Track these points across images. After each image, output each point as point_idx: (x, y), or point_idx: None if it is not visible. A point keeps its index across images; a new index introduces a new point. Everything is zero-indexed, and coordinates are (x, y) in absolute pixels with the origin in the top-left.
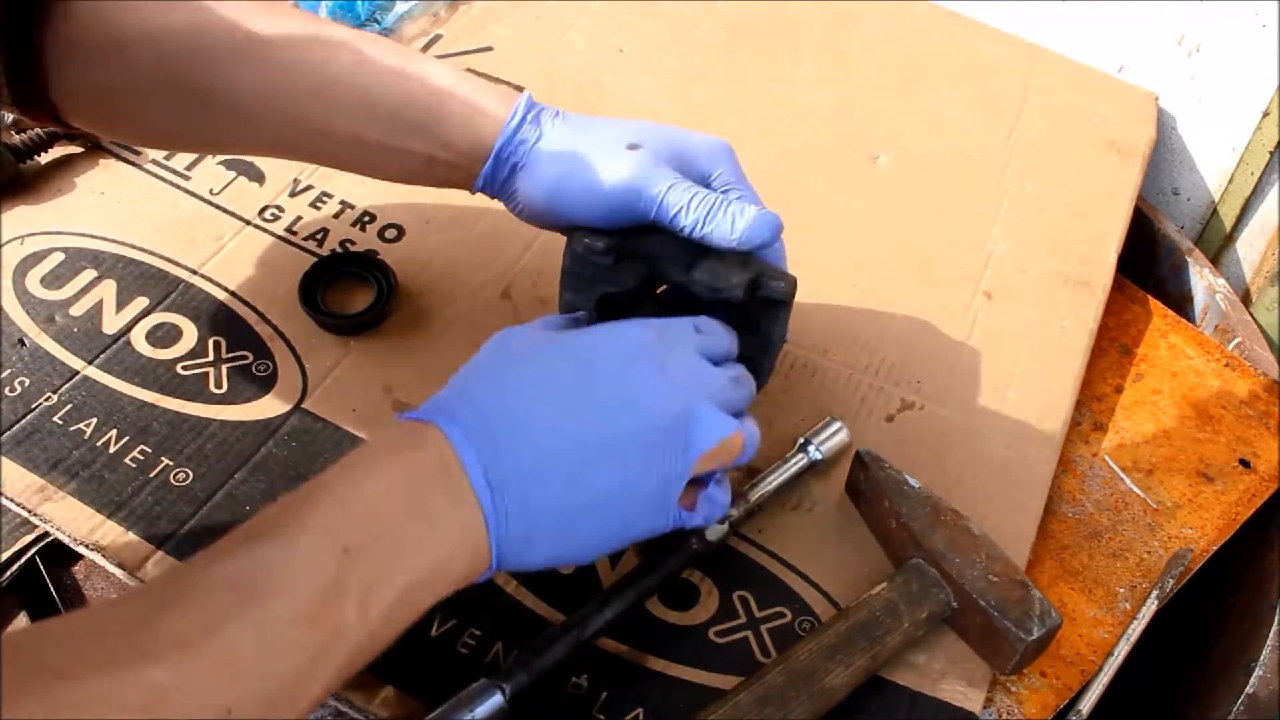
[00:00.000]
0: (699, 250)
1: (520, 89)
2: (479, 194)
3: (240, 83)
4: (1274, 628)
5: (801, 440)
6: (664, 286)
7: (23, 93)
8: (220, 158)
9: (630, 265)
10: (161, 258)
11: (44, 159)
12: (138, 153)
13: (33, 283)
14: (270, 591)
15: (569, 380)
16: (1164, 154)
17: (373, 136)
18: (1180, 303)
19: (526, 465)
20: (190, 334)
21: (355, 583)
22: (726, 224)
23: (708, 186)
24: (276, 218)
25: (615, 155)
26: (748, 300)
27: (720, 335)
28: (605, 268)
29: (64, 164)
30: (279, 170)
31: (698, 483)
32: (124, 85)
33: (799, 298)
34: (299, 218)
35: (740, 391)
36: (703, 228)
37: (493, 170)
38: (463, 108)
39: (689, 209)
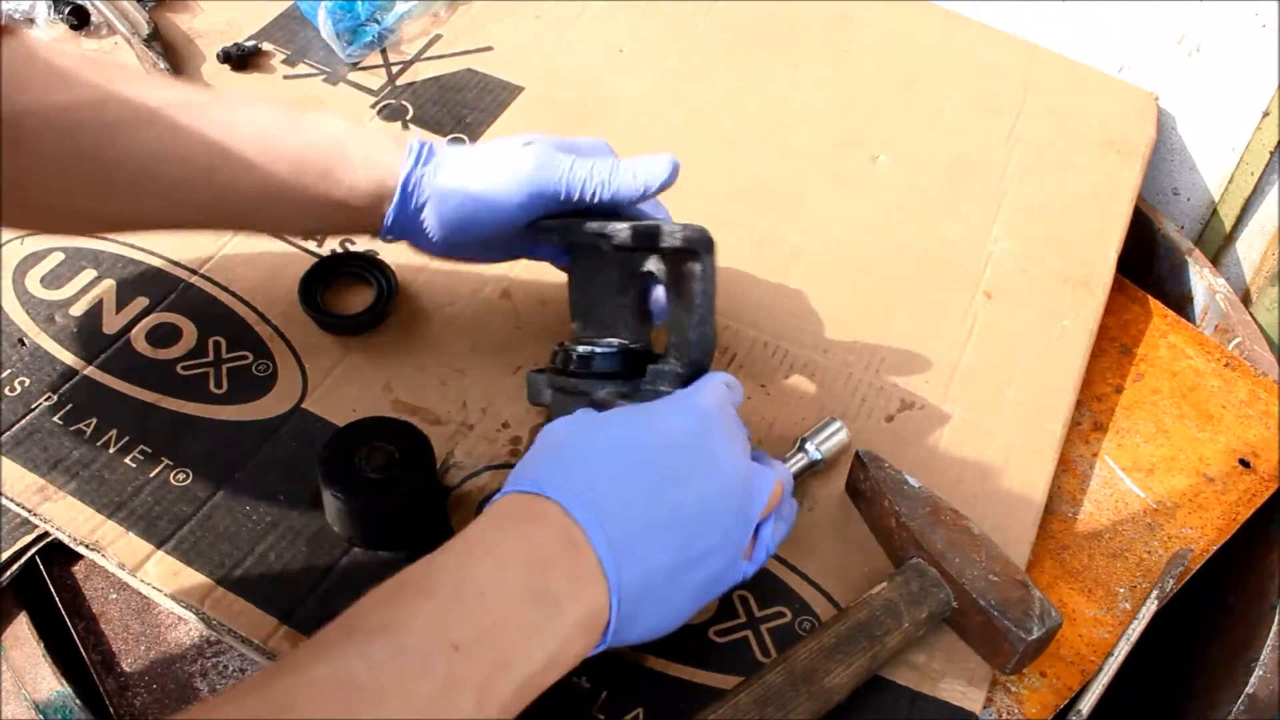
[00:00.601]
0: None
1: (520, 88)
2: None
3: (146, 148)
4: (1274, 628)
5: (801, 440)
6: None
7: None
8: None
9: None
10: (161, 258)
11: None
12: None
13: (33, 282)
14: (381, 693)
15: (662, 447)
16: (1164, 154)
17: (279, 187)
18: (1180, 303)
19: (642, 531)
20: (190, 334)
21: (470, 679)
22: (628, 175)
23: None
24: None
25: (515, 154)
26: (669, 260)
27: (739, 384)
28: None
29: None
30: None
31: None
32: (22, 165)
33: (800, 292)
34: None
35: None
36: (608, 188)
37: (400, 205)
38: (363, 151)
39: (593, 175)
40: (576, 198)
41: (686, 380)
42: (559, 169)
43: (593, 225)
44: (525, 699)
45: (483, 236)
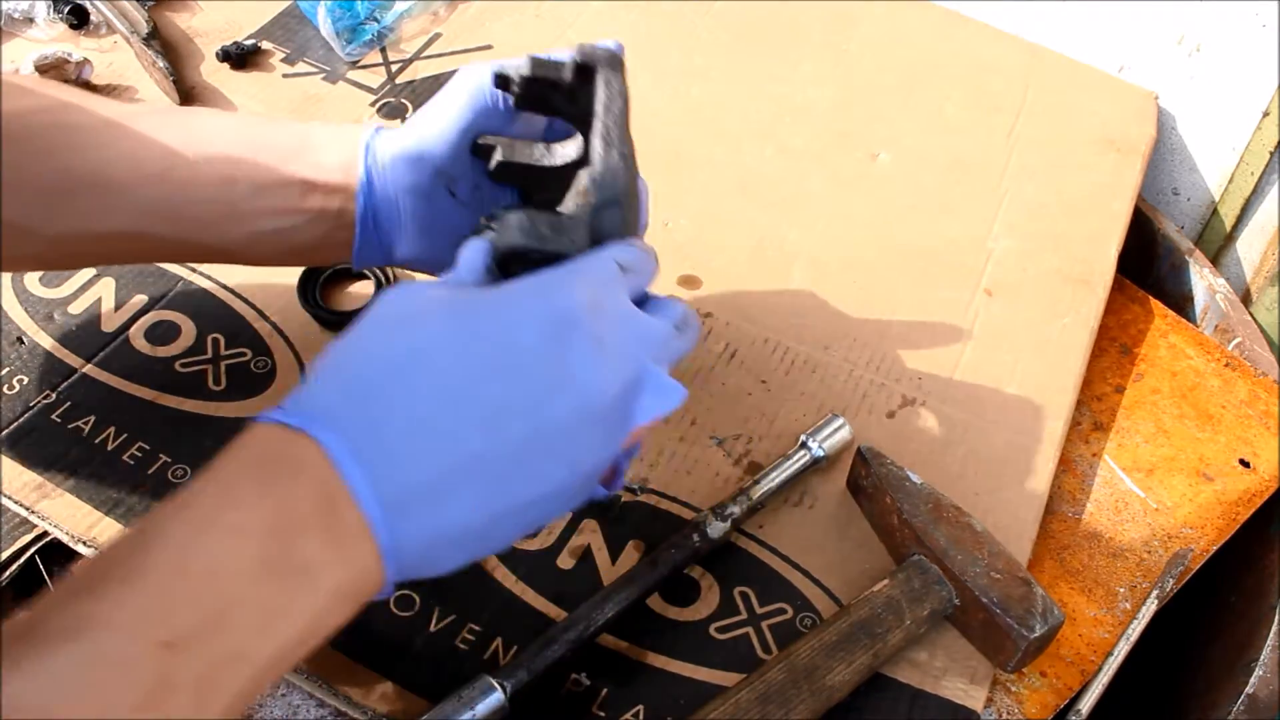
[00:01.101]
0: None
1: None
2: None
3: (101, 151)
4: (1274, 628)
5: (803, 437)
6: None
7: None
8: None
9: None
10: None
11: None
12: None
13: (31, 281)
14: (69, 715)
15: (490, 364)
16: (1164, 154)
17: (243, 174)
18: (1180, 303)
19: (439, 480)
20: (189, 331)
21: (186, 679)
22: (566, 50)
23: None
24: None
25: (449, 84)
26: (575, 90)
27: (645, 263)
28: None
29: None
30: None
31: None
32: None
33: (801, 289)
34: None
35: (686, 338)
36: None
37: (366, 178)
38: (329, 133)
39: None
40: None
41: (594, 225)
42: (491, 67)
43: (498, 65)
44: (266, 684)
45: (440, 174)
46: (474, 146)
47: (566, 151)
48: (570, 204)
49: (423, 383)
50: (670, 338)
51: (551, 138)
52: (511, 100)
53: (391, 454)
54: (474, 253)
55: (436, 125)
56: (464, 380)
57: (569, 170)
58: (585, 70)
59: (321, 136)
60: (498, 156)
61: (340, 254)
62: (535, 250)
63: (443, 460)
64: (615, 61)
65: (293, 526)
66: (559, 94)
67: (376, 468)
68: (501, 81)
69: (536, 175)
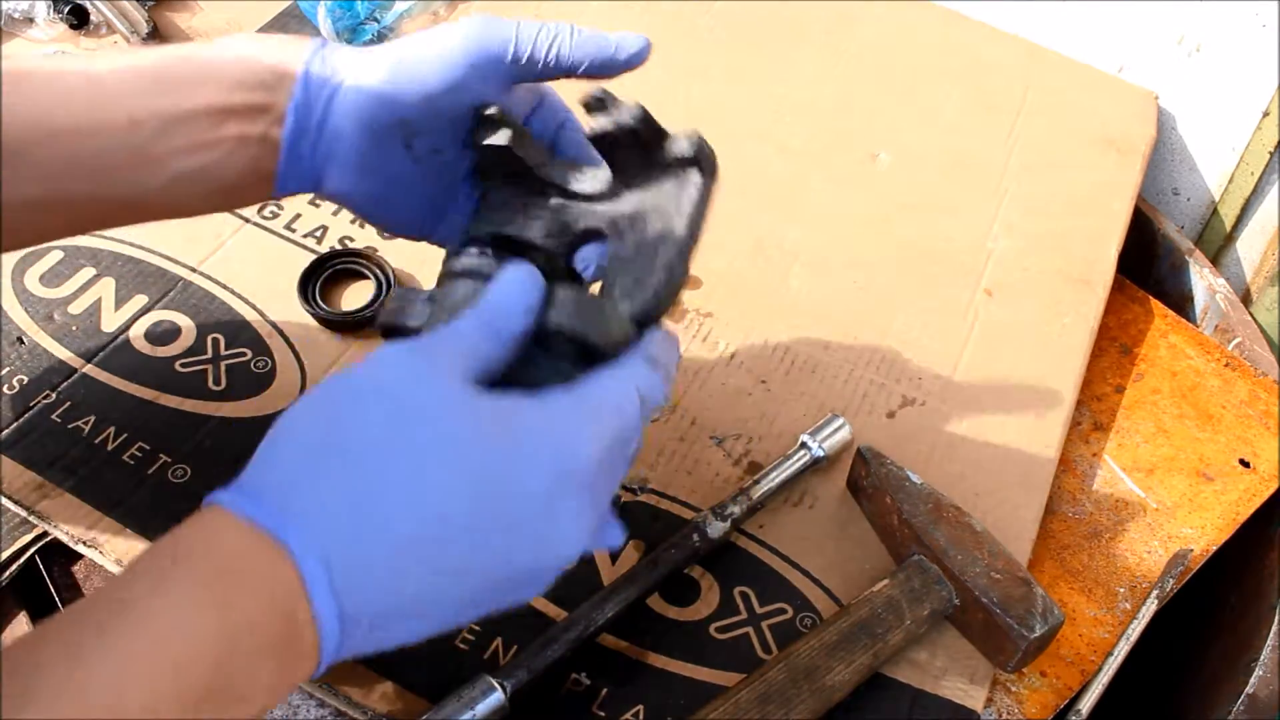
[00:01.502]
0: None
1: None
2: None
3: (6, 115)
4: (1274, 628)
5: (803, 437)
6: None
7: None
8: None
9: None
10: (160, 255)
11: None
12: None
13: (32, 281)
14: None
15: (493, 510)
16: (1164, 154)
17: (149, 112)
18: (1180, 303)
19: (404, 611)
20: (189, 331)
21: None
22: (596, 36)
23: None
24: (275, 215)
25: (447, 28)
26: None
27: (659, 393)
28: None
29: None
30: None
31: None
32: None
33: (801, 289)
34: (298, 215)
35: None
36: (569, 46)
37: (304, 97)
38: (254, 44)
39: (550, 31)
40: (527, 58)
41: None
42: (504, 28)
43: (588, 98)
44: None
45: (404, 123)
46: (479, 116)
47: (580, 183)
48: (633, 303)
49: (421, 514)
50: (628, 460)
51: (538, 128)
52: (584, 128)
53: (371, 582)
54: (515, 299)
55: (422, 71)
56: (466, 521)
57: (556, 191)
58: (686, 162)
59: (237, 57)
60: (501, 140)
61: (271, 189)
62: (584, 341)
63: (415, 596)
64: (715, 167)
65: (246, 657)
66: (641, 158)
67: (349, 597)
68: (595, 105)
69: (522, 175)
